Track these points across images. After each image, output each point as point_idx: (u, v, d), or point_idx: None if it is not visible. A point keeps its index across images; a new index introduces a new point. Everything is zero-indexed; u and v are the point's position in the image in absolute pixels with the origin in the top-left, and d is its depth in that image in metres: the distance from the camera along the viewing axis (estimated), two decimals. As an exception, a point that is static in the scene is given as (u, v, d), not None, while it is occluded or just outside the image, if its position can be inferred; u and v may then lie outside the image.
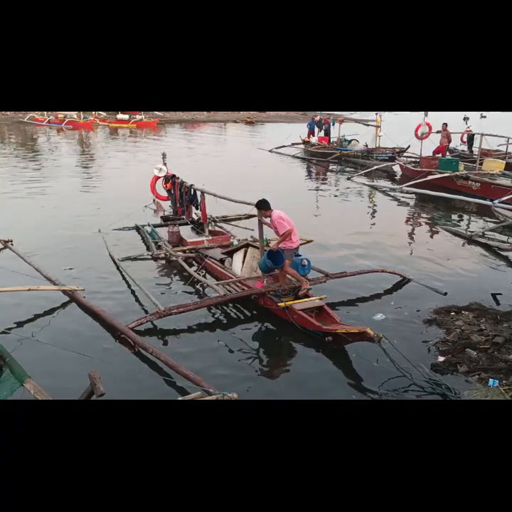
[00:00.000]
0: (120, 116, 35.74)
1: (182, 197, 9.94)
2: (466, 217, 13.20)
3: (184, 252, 8.68)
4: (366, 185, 16.54)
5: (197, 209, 9.74)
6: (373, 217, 13.10)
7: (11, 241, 9.04)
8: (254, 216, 7.71)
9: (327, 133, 23.56)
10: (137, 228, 10.18)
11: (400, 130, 21.44)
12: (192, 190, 9.65)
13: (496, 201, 11.48)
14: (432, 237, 11.28)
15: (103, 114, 37.29)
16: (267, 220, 6.74)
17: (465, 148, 21.00)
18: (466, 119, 22.64)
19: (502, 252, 9.63)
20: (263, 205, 6.67)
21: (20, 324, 6.22)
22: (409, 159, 19.18)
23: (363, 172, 17.86)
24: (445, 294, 7.29)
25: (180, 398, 4.04)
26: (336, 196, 15.48)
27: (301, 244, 7.08)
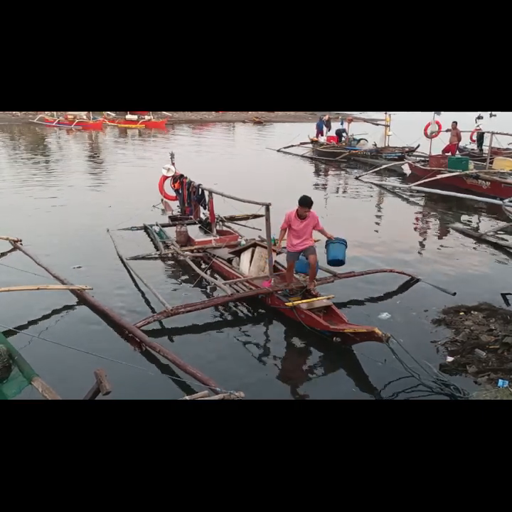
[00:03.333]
0: (129, 116, 35.98)
1: (190, 197, 9.96)
2: (476, 216, 13.09)
3: (192, 251, 8.69)
4: (375, 184, 16.46)
5: (205, 209, 9.74)
6: (382, 216, 13.04)
7: (21, 240, 9.14)
8: (261, 216, 7.70)
9: (340, 134, 23.28)
10: (145, 228, 10.21)
11: (404, 129, 21.29)
12: (200, 189, 9.66)
13: (507, 200, 11.37)
14: (441, 236, 11.20)
15: (112, 114, 37.57)
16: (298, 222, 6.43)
17: (475, 147, 20.84)
18: (480, 118, 22.37)
19: (512, 252, 9.56)
20: (310, 203, 6.36)
21: (28, 323, 6.26)
22: (418, 158, 19.07)
23: (371, 171, 17.78)
24: (454, 294, 7.23)
25: (186, 397, 4.03)
26: (344, 196, 15.43)
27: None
